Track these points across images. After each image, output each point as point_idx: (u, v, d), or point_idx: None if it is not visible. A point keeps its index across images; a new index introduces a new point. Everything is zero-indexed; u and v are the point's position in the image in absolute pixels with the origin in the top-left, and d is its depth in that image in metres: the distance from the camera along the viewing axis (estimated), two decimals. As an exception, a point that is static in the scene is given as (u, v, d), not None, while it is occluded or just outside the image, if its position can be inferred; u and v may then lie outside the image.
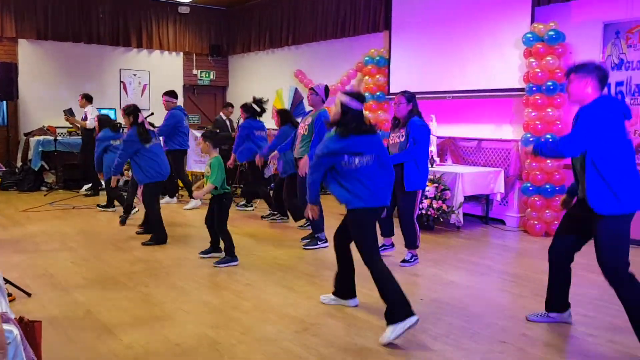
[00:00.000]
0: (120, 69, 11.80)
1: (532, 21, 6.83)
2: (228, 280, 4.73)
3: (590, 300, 4.27)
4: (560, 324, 3.78)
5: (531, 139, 6.43)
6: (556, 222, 6.54)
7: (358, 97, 3.66)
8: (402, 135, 5.03)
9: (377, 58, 8.84)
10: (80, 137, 9.54)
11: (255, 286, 4.55)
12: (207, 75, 12.94)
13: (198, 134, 8.48)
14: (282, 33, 11.32)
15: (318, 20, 10.38)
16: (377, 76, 8.87)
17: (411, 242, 5.17)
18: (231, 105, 10.53)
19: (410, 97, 5.14)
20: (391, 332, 3.43)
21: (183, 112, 8.38)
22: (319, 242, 5.85)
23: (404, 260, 5.19)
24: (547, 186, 6.56)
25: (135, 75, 12.00)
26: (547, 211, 6.61)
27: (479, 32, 7.51)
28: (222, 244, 5.28)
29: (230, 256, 5.14)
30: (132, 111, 5.97)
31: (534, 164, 6.67)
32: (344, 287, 4.04)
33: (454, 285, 4.71)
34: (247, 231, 6.69)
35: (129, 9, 11.60)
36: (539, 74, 6.51)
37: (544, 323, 3.79)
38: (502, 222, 7.28)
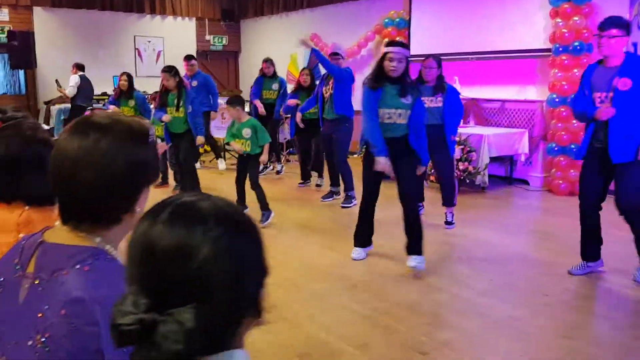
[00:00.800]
0: (134, 36, 11.76)
1: (558, -20, 6.78)
2: (270, 241, 4.82)
3: (621, 255, 4.38)
4: (598, 276, 3.92)
5: None
6: (581, 181, 6.65)
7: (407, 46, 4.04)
8: (440, 101, 5.10)
9: (397, 20, 8.81)
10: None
11: (297, 247, 4.70)
12: (220, 41, 12.89)
13: (222, 100, 8.54)
14: (297, -6, 11.20)
15: (334, -18, 10.26)
16: (398, 38, 8.81)
17: (450, 199, 5.30)
18: None
19: (440, 60, 5.21)
20: (422, 260, 4.02)
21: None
22: (353, 200, 5.99)
23: (448, 222, 5.30)
24: (573, 146, 6.63)
25: (149, 42, 11.96)
26: (572, 170, 6.69)
27: (503, -8, 7.46)
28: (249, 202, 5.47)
29: (268, 210, 5.35)
30: (177, 71, 6.00)
31: (559, 124, 6.73)
32: (369, 237, 4.38)
33: (488, 244, 4.84)
34: (273, 194, 6.81)
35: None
36: (566, 35, 6.50)
37: (582, 276, 3.93)
38: (526, 182, 7.38)
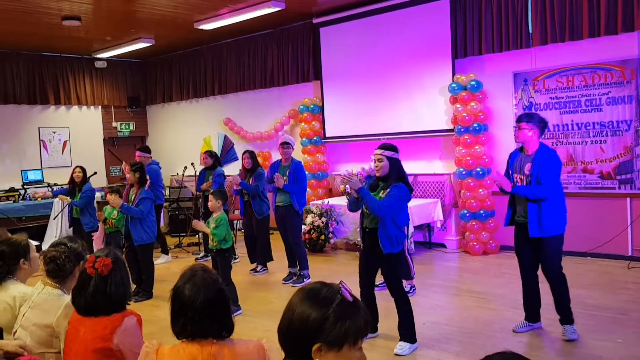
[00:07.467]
0: (39, 127, 11.51)
1: (454, 71, 7.98)
2: (246, 328, 5.15)
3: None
4: (538, 330, 4.71)
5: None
6: (492, 241, 7.68)
7: (395, 149, 4.51)
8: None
9: (312, 106, 9.62)
10: None
11: (273, 331, 5.01)
12: (127, 127, 12.95)
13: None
14: (206, 83, 11.64)
15: (245, 72, 10.85)
16: (313, 122, 9.64)
17: (406, 274, 5.86)
18: None
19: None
20: (409, 348, 4.39)
21: (158, 165, 8.45)
22: (304, 280, 6.42)
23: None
24: (482, 212, 7.67)
25: (54, 132, 11.75)
26: (483, 233, 7.71)
27: (407, 82, 8.55)
28: None
29: (235, 306, 5.55)
30: (140, 168, 6.12)
31: (468, 194, 7.77)
32: (374, 322, 4.72)
33: (440, 307, 5.52)
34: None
35: (44, 66, 11.40)
36: (466, 117, 7.65)
37: (528, 331, 4.69)
38: (443, 245, 8.30)
